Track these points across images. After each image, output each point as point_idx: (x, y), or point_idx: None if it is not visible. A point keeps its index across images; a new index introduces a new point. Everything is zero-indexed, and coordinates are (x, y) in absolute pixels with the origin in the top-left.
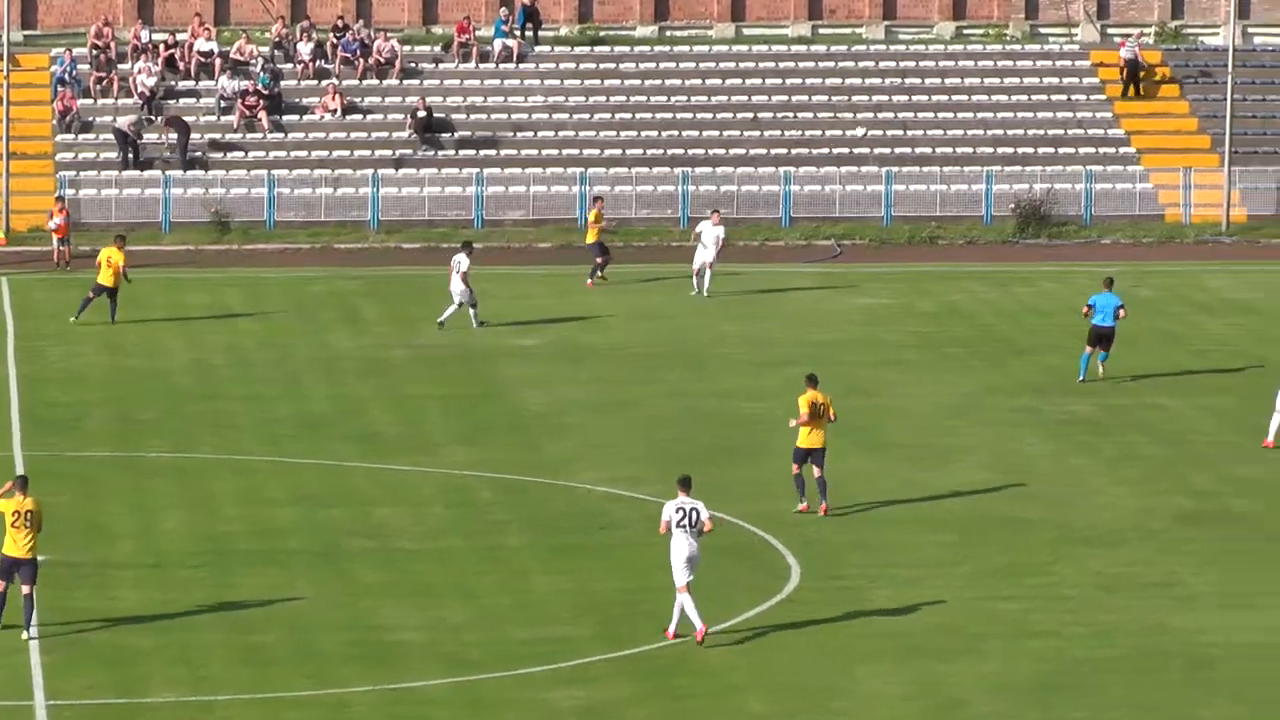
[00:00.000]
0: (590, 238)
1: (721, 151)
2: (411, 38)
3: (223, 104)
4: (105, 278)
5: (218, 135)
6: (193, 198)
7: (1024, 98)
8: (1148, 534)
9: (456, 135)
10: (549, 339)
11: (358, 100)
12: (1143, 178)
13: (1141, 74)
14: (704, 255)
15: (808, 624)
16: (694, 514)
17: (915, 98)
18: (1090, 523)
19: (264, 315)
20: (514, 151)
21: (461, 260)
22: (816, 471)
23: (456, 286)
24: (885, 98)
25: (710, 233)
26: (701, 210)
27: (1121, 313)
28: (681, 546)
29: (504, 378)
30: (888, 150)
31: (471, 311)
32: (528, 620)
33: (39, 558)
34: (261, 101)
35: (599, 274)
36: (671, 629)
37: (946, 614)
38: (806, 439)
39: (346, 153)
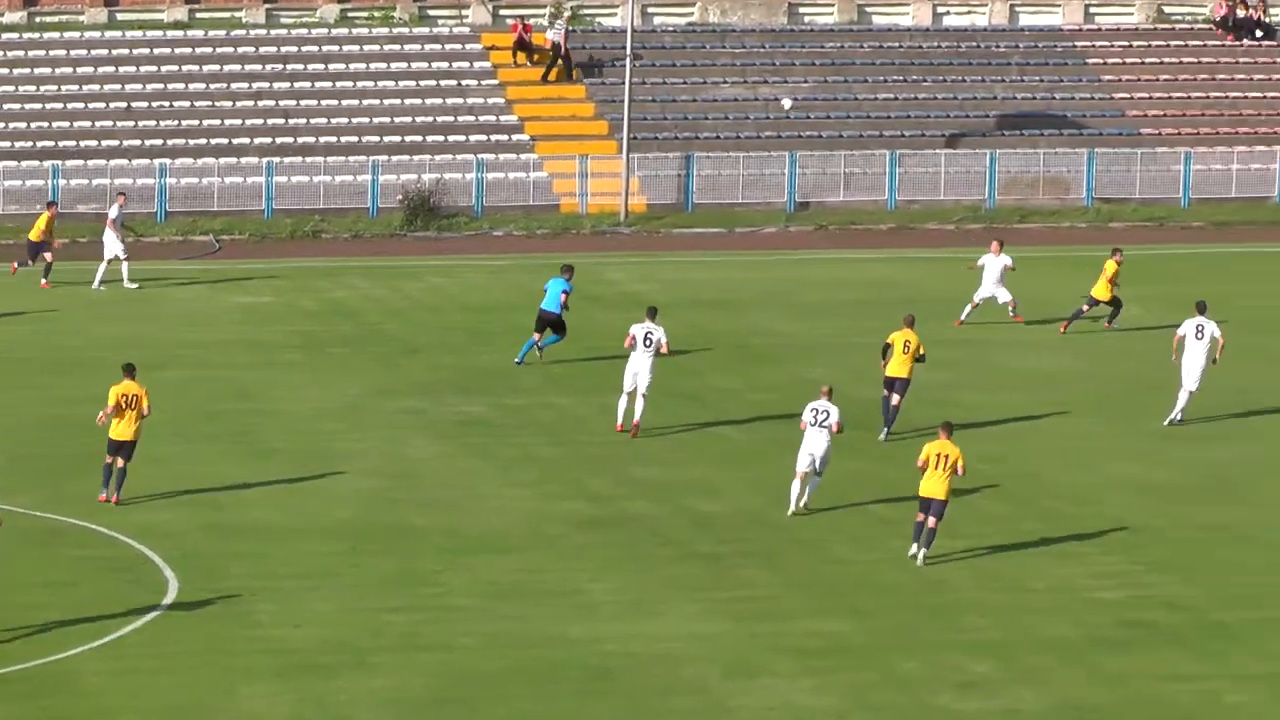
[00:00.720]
0: (34, 236)
1: (94, 143)
2: None
3: None
4: None
5: None
6: None
7: (412, 84)
8: (543, 539)
9: None
10: None
11: None
12: (537, 166)
13: (566, 58)
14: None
15: (186, 641)
16: None
17: (298, 85)
18: (483, 529)
19: None
20: None
21: None
22: (120, 462)
23: None
24: (266, 85)
25: (118, 215)
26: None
27: (564, 298)
28: None
29: None
30: (269, 140)
31: None
32: None
33: None
34: None
35: (25, 263)
36: None
37: (332, 627)
38: (116, 431)
39: None
